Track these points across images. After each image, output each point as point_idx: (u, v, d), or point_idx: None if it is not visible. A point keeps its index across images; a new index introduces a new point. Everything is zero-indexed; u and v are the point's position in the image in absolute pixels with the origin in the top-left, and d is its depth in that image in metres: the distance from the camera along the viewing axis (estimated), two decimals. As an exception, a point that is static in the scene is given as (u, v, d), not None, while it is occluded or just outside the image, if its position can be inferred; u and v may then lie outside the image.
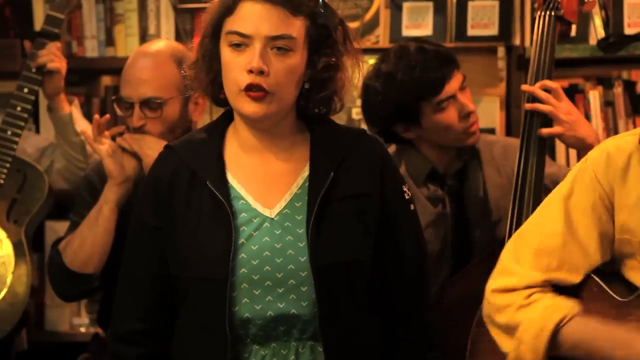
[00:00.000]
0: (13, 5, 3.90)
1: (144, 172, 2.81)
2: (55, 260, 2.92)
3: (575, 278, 2.10)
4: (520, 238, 2.18)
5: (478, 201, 3.02)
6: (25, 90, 3.23)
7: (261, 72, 2.08)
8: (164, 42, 3.15)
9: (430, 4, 3.76)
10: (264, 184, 2.16)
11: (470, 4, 3.73)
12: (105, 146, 2.91)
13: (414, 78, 2.92)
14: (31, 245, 3.25)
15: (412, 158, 3.04)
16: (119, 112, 3.01)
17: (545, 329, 2.05)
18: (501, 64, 3.64)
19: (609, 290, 2.08)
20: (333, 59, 2.16)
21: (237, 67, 2.09)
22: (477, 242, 3.01)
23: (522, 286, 2.10)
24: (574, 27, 3.03)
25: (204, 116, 3.69)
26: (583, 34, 3.57)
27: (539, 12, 2.92)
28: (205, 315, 2.13)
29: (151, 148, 2.85)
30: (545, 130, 2.84)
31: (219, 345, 2.11)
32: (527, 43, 3.66)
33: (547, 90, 2.85)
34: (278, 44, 2.10)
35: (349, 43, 2.19)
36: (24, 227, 3.20)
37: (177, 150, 2.19)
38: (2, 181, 3.20)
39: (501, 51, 3.63)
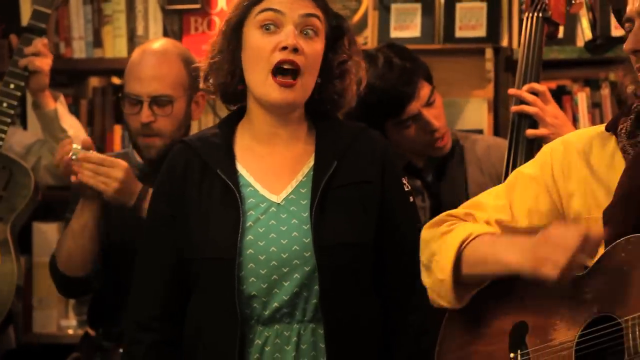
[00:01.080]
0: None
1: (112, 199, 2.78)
2: (53, 263, 2.95)
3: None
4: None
5: (456, 198, 3.02)
6: (12, 86, 3.22)
7: (295, 50, 2.16)
8: (168, 41, 3.15)
9: (419, 6, 3.76)
10: (272, 172, 2.28)
11: (458, 5, 3.73)
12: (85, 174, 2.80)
13: (375, 99, 2.90)
14: (17, 243, 3.24)
15: None
16: (124, 109, 2.98)
17: (451, 247, 2.04)
18: (489, 65, 3.64)
19: None
20: (345, 56, 2.30)
21: (268, 48, 2.20)
22: None
23: (446, 216, 2.13)
24: (561, 28, 3.04)
25: (207, 117, 3.73)
26: (570, 36, 3.58)
27: (526, 14, 2.93)
28: (215, 296, 2.23)
29: (109, 178, 2.76)
30: (530, 132, 2.84)
31: (229, 324, 2.20)
32: (514, 45, 3.67)
33: (534, 93, 2.85)
34: (310, 24, 2.21)
35: (354, 47, 2.33)
36: (9, 225, 3.20)
37: (190, 144, 2.31)
38: (-14, 178, 3.19)
39: (489, 52, 3.64)
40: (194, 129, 3.77)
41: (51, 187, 3.47)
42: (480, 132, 3.65)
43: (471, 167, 3.08)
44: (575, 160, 2.10)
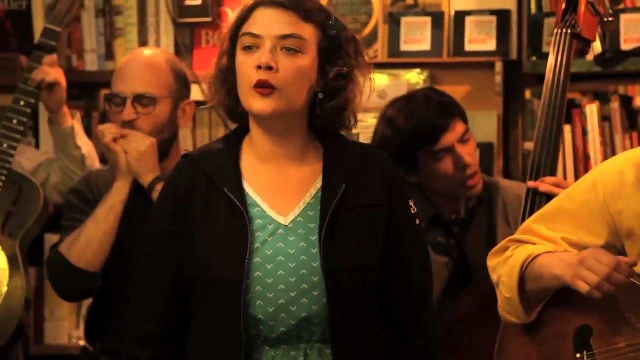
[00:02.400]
0: (13, 18, 3.91)
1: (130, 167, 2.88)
2: (58, 260, 2.92)
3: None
4: None
5: (482, 249, 3.00)
6: (22, 103, 3.23)
7: (269, 68, 2.17)
8: (159, 49, 3.23)
9: (429, 19, 3.78)
10: (279, 192, 2.25)
11: (468, 19, 3.75)
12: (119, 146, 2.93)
13: (411, 126, 2.94)
14: (26, 258, 3.25)
15: (418, 201, 3.03)
16: (109, 108, 3.02)
17: (515, 268, 2.33)
18: (498, 79, 3.65)
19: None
20: (345, 69, 2.24)
21: (248, 66, 2.19)
22: None
23: (508, 242, 2.42)
24: (593, 45, 3.06)
25: (218, 129, 3.75)
26: (583, 50, 3.58)
27: (556, 30, 2.95)
28: (220, 317, 2.20)
29: (137, 142, 2.90)
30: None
31: (233, 347, 2.18)
32: (524, 58, 3.68)
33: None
34: (288, 44, 2.19)
35: (361, 57, 2.27)
36: (18, 240, 3.21)
37: (196, 159, 2.27)
38: (-4, 194, 3.21)
39: (499, 66, 3.64)
40: (205, 141, 3.81)
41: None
42: (490, 145, 3.66)
43: (499, 218, 3.05)
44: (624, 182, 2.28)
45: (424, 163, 2.98)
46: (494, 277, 2.40)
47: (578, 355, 2.27)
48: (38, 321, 3.89)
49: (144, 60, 3.01)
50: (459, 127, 2.98)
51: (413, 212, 2.32)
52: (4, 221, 3.21)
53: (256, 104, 2.18)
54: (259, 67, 2.17)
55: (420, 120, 2.95)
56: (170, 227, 2.25)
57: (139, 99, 2.94)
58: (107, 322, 2.99)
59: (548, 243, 2.34)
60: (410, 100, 3.01)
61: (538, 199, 2.88)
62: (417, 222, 2.33)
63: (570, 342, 2.29)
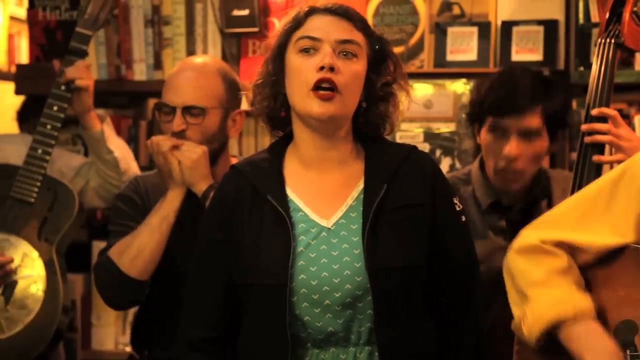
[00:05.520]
0: (63, 29, 3.97)
1: (183, 176, 2.89)
2: (109, 267, 2.90)
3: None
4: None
5: None
6: (55, 108, 3.25)
7: (332, 69, 2.21)
8: (210, 57, 3.21)
9: (475, 29, 3.77)
10: (321, 197, 2.29)
11: (514, 28, 3.73)
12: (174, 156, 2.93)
13: (488, 91, 2.91)
14: (63, 263, 3.28)
15: (481, 184, 3.03)
16: (158, 117, 3.02)
17: (542, 318, 2.17)
18: (545, 88, 3.63)
19: None
20: (389, 78, 2.32)
21: (307, 68, 2.24)
22: None
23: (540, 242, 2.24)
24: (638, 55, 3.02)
25: (264, 138, 3.76)
26: (627, 59, 3.56)
27: (600, 39, 2.91)
28: (267, 321, 2.24)
29: (190, 151, 2.90)
30: (605, 158, 2.80)
31: (281, 350, 2.22)
32: (571, 68, 3.66)
33: (603, 118, 2.82)
34: (346, 48, 2.25)
35: (400, 70, 2.34)
36: (54, 246, 3.24)
37: (241, 169, 2.34)
38: (33, 200, 3.23)
39: (546, 76, 3.63)
40: (251, 150, 3.84)
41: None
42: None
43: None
44: None
45: (483, 130, 2.94)
46: (519, 282, 2.25)
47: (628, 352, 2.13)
48: (85, 327, 3.94)
49: (194, 71, 2.98)
50: (531, 120, 2.89)
51: (458, 209, 2.34)
52: (40, 227, 3.24)
53: (315, 106, 2.23)
54: (321, 68, 2.21)
55: (498, 89, 2.90)
56: (220, 237, 2.31)
57: (188, 109, 2.94)
58: (154, 331, 2.99)
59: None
60: (509, 69, 2.99)
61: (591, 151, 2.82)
62: (463, 219, 2.35)
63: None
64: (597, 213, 2.24)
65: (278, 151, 2.35)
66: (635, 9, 2.89)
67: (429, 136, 3.76)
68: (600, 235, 2.22)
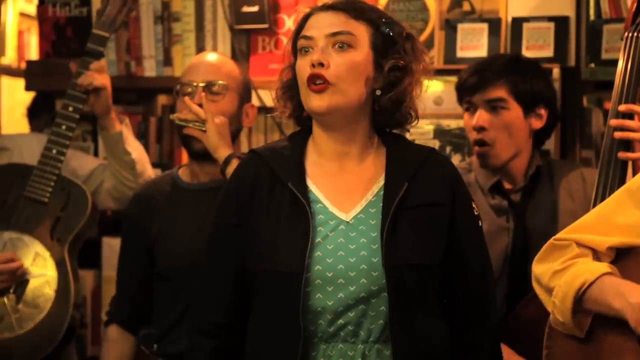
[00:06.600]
0: (73, 25, 3.97)
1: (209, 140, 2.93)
2: None
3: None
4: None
5: (543, 222, 3.00)
6: (70, 108, 3.26)
7: (321, 65, 2.24)
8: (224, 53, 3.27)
9: (485, 25, 3.76)
10: (341, 190, 2.31)
11: (525, 25, 3.72)
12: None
13: (463, 75, 3.07)
14: (75, 263, 3.28)
15: (481, 169, 3.10)
16: (177, 103, 3.04)
17: (567, 294, 2.26)
18: (556, 85, 3.61)
19: None
20: (401, 62, 2.30)
21: (303, 67, 2.28)
22: None
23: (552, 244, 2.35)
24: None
25: (273, 134, 3.77)
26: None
27: (626, 33, 2.89)
28: (280, 309, 2.24)
29: (214, 117, 2.94)
30: (632, 155, 2.81)
31: (291, 340, 2.22)
32: (582, 65, 3.65)
33: (630, 114, 2.81)
34: (339, 39, 2.26)
35: (418, 53, 2.34)
36: (67, 246, 3.24)
37: (261, 154, 2.34)
38: (46, 199, 3.24)
39: (556, 73, 3.61)
40: (260, 143, 3.83)
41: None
42: (546, 152, 3.63)
43: (563, 193, 3.03)
44: None
45: (464, 112, 3.09)
46: (540, 291, 2.35)
47: None
48: (95, 322, 3.93)
49: (214, 56, 3.11)
50: (494, 92, 3.02)
51: (476, 213, 2.36)
52: (52, 227, 3.24)
53: (312, 101, 2.26)
54: (312, 65, 2.24)
55: (473, 71, 3.05)
56: (233, 220, 2.31)
57: (209, 86, 2.99)
58: (163, 325, 3.01)
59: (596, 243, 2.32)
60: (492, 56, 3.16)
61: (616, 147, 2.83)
62: (480, 223, 2.37)
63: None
64: (614, 217, 2.30)
65: (299, 141, 2.36)
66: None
67: (439, 133, 3.76)
68: (614, 235, 2.29)
